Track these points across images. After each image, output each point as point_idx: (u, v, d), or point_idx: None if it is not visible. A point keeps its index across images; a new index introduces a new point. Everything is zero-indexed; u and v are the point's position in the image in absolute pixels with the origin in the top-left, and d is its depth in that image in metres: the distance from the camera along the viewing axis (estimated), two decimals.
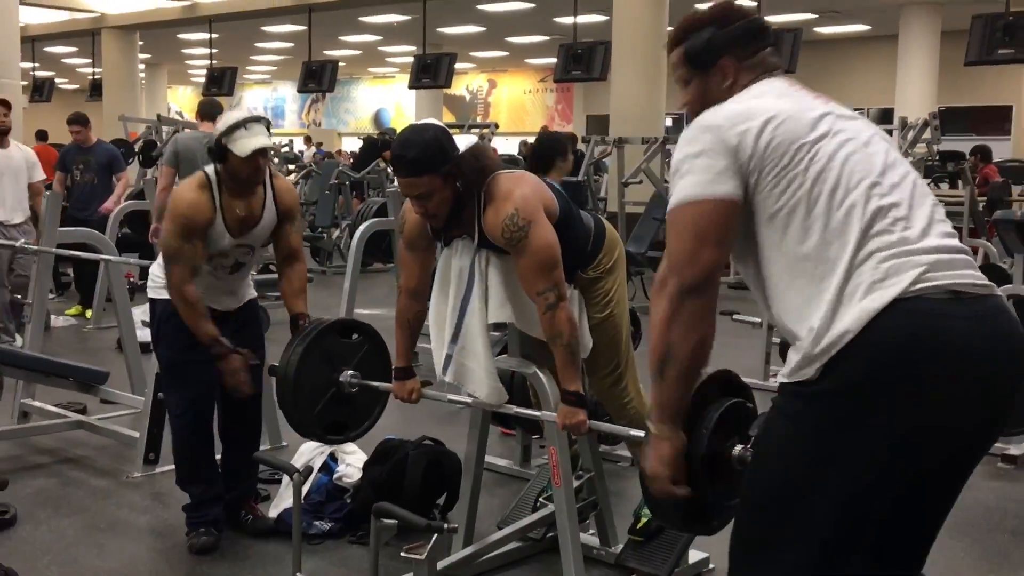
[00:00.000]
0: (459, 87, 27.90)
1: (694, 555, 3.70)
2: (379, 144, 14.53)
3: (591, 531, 3.80)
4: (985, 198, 10.72)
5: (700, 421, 2.47)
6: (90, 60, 21.01)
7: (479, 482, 3.64)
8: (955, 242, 2.00)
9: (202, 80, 18.10)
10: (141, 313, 5.59)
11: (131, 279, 7.49)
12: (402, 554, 2.78)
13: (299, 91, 16.79)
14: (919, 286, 1.89)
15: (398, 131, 15.19)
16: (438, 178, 3.09)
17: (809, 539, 1.98)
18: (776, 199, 1.99)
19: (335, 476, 4.22)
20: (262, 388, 4.14)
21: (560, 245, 3.19)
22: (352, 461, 4.29)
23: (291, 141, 21.43)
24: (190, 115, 23.15)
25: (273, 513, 4.13)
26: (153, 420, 4.58)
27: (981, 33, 9.80)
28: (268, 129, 3.82)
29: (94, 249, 6.15)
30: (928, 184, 2.13)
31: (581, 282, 3.52)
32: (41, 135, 14.97)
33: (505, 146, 18.44)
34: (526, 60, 26.46)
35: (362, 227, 6.94)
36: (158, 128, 12.12)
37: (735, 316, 6.59)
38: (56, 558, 3.80)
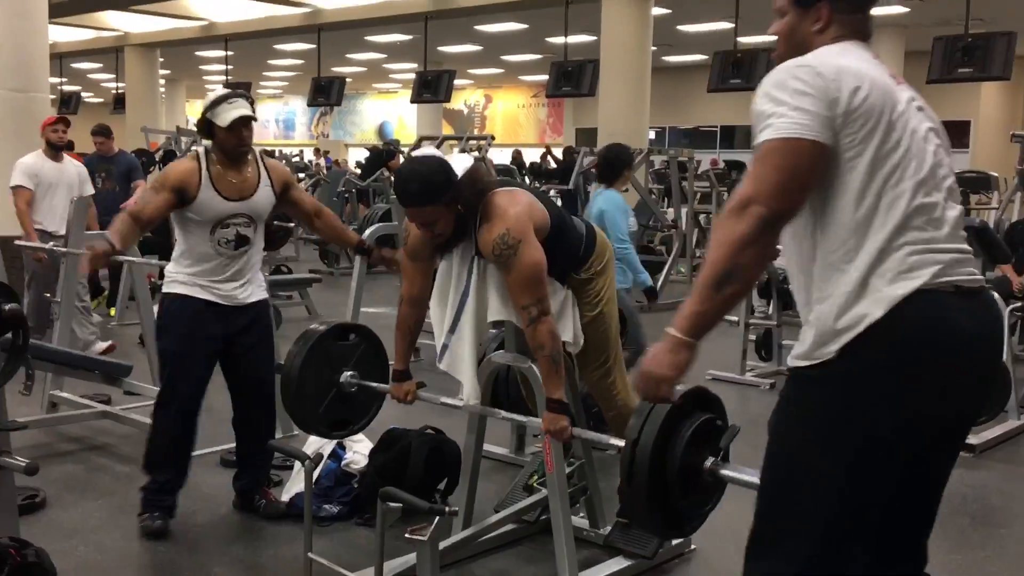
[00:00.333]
0: (458, 102, 27.89)
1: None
2: (383, 155, 14.53)
3: (581, 514, 3.80)
4: None
5: (675, 436, 2.48)
6: (114, 75, 20.96)
7: (477, 469, 3.64)
8: (966, 244, 2.03)
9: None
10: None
11: (152, 279, 7.47)
12: (406, 535, 2.78)
13: (309, 105, 16.76)
14: (937, 280, 1.91)
15: (400, 142, 15.23)
16: (441, 206, 3.12)
17: (814, 523, 1.97)
18: (845, 162, 1.93)
19: (343, 463, 4.22)
20: (274, 383, 4.10)
21: (555, 251, 3.23)
22: (359, 449, 4.29)
23: (301, 151, 21.38)
24: None
25: (285, 497, 4.13)
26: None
27: (942, 53, 9.84)
28: (252, 105, 3.81)
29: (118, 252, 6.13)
30: None
31: (573, 283, 3.53)
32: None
33: (500, 156, 18.46)
34: (520, 77, 26.46)
35: (368, 231, 6.93)
36: (177, 139, 12.12)
37: None
38: (84, 539, 3.80)
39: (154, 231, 9.86)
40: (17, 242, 6.48)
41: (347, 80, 16.15)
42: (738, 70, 11.44)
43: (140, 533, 3.80)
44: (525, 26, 17.79)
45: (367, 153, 16.21)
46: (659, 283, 10.34)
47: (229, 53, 18.41)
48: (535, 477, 3.87)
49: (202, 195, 3.74)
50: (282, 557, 3.66)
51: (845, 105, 1.91)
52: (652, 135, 16.86)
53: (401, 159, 14.15)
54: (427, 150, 3.41)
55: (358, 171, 15.62)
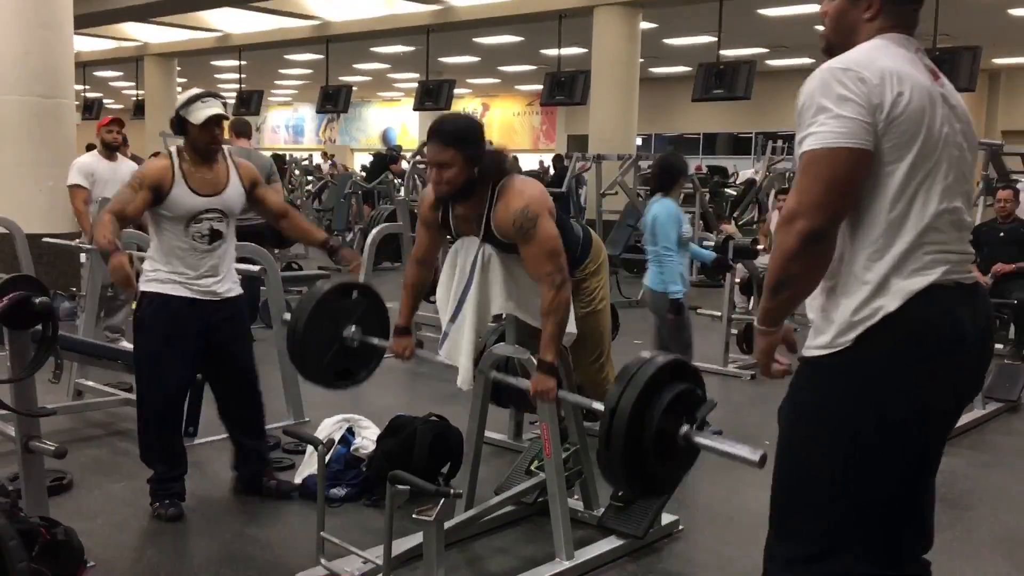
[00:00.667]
0: (457, 109, 27.85)
1: (666, 518, 3.71)
2: (387, 159, 14.52)
3: (576, 496, 3.80)
4: None
5: (653, 402, 2.48)
6: (134, 83, 20.90)
7: (479, 454, 3.63)
8: (969, 247, 2.03)
9: (232, 102, 18.04)
10: None
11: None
12: (414, 516, 2.77)
13: (317, 112, 16.74)
14: (945, 278, 1.92)
15: (403, 148, 15.22)
16: (460, 156, 3.11)
17: (832, 505, 1.97)
18: (884, 166, 1.90)
19: (352, 448, 4.21)
20: (256, 375, 4.03)
21: None
22: (367, 435, 4.28)
23: (311, 156, 21.34)
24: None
25: (297, 480, 4.11)
26: (191, 398, 4.55)
27: None
28: (224, 105, 3.77)
29: (140, 248, 6.10)
30: None
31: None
32: (90, 149, 14.88)
33: None
34: (515, 87, 26.44)
35: (374, 230, 6.92)
36: None
37: (699, 310, 6.62)
38: (109, 519, 3.78)
39: None
40: (77, 241, 6.42)
41: (353, 88, 16.11)
42: (721, 81, 11.45)
43: (159, 521, 3.76)
44: (521, 39, 17.78)
45: (372, 158, 16.19)
46: None
47: (242, 63, 18.39)
48: (534, 462, 3.87)
49: (175, 191, 3.66)
50: (295, 536, 3.64)
51: (888, 111, 1.87)
52: (639, 142, 16.83)
53: (404, 164, 14.14)
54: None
55: (363, 174, 15.59)
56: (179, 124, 3.71)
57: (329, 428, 4.28)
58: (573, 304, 3.54)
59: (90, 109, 18.53)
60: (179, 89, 22.95)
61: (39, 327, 3.14)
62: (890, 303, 1.89)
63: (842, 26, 2.05)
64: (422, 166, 11.05)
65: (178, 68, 21.19)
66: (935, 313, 1.90)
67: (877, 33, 2.00)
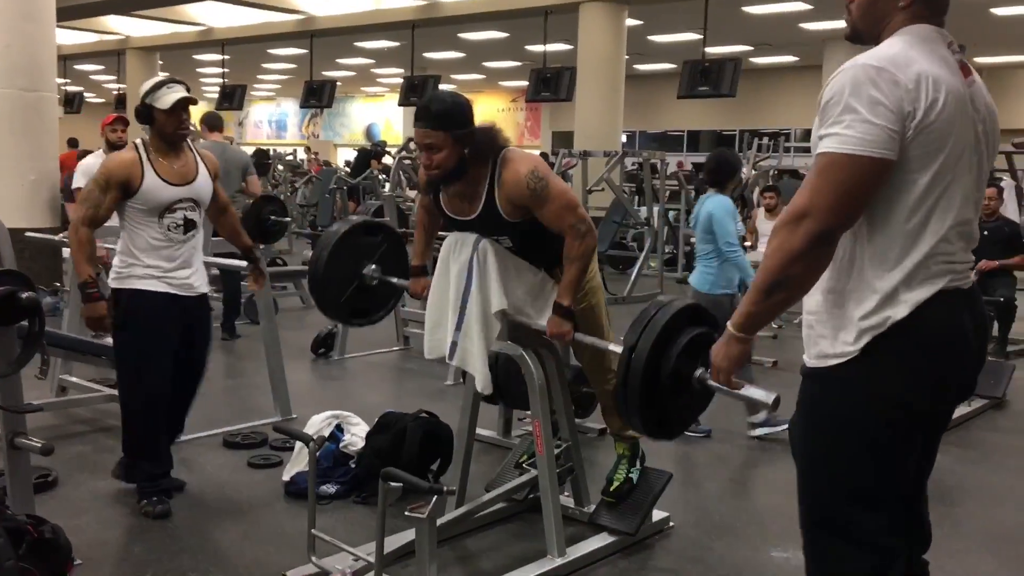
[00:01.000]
0: None
1: (657, 514, 3.71)
2: (371, 155, 14.47)
3: (566, 493, 3.79)
4: None
5: (671, 344, 2.50)
6: (115, 77, 20.72)
7: (471, 451, 3.62)
8: (971, 255, 1.99)
9: (215, 96, 17.94)
10: None
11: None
12: (406, 513, 2.75)
13: (301, 106, 16.65)
14: (948, 286, 1.89)
15: (387, 144, 15.13)
16: (450, 137, 3.06)
17: (851, 504, 1.96)
18: (907, 174, 1.83)
19: (341, 444, 4.18)
20: (202, 376, 4.04)
21: (547, 241, 3.20)
22: (356, 431, 4.25)
23: (295, 151, 21.24)
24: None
25: (285, 477, 4.08)
26: (187, 397, 4.51)
27: None
28: (188, 90, 3.74)
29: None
30: None
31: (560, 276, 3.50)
32: (72, 143, 14.77)
33: None
34: (500, 83, 26.38)
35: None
36: None
37: None
38: (96, 516, 3.75)
39: None
40: (61, 236, 6.36)
41: (337, 84, 16.04)
42: (706, 78, 11.46)
43: (146, 518, 3.72)
44: (506, 35, 17.74)
45: (356, 154, 16.13)
46: (631, 278, 10.36)
47: (225, 57, 18.26)
48: (525, 457, 3.86)
49: (147, 184, 3.61)
50: (285, 533, 3.62)
51: (920, 119, 1.79)
52: (624, 138, 16.85)
53: (388, 159, 14.09)
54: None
55: (347, 170, 15.53)
56: (146, 112, 3.67)
57: (318, 425, 4.24)
58: None
59: (71, 103, 18.38)
60: None
61: (25, 323, 3.10)
62: (899, 312, 1.86)
63: (873, 13, 1.95)
64: (408, 162, 11.01)
65: (160, 62, 21.01)
66: (941, 320, 1.88)
67: (908, 22, 1.91)
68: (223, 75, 18.62)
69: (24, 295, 3.02)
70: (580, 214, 3.17)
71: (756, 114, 22.02)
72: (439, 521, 3.07)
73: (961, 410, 5.52)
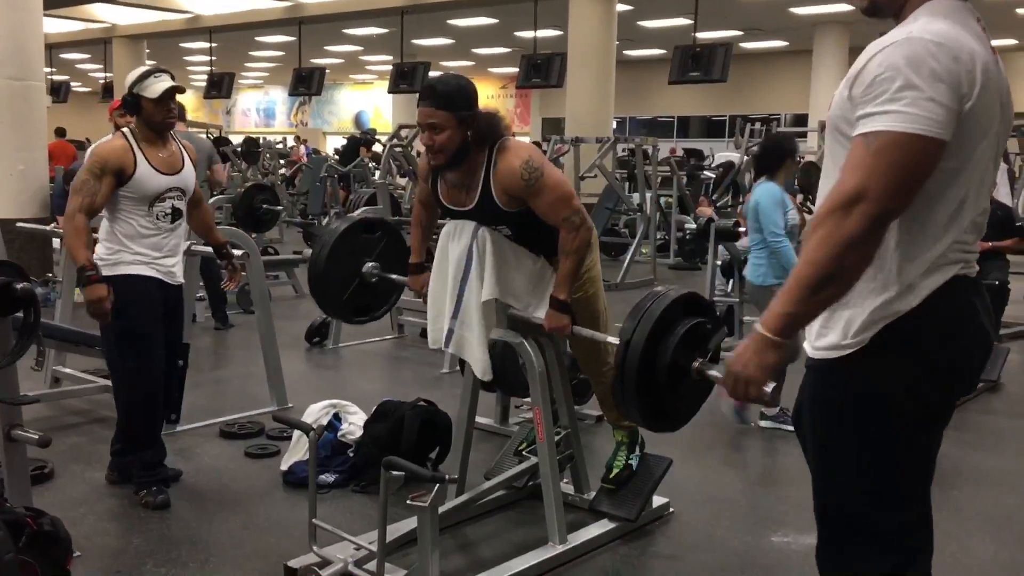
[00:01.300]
0: None
1: (657, 500, 3.71)
2: (361, 142, 14.41)
3: (566, 480, 3.78)
4: None
5: (668, 336, 2.49)
6: (102, 66, 20.56)
7: (470, 439, 3.60)
8: (978, 244, 1.93)
9: (203, 84, 17.83)
10: None
11: None
12: (408, 501, 2.74)
13: (290, 94, 16.56)
14: (960, 272, 1.83)
15: (377, 131, 15.07)
16: (454, 118, 3.05)
17: (869, 499, 1.92)
18: (945, 160, 1.71)
19: (339, 433, 4.17)
20: (187, 366, 4.08)
21: (547, 230, 3.17)
22: (354, 420, 4.24)
23: (284, 139, 21.14)
24: (193, 116, 22.79)
25: (283, 466, 4.07)
26: (173, 385, 4.49)
27: None
28: (174, 79, 3.73)
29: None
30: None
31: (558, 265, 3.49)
32: (60, 132, 14.67)
33: None
34: (489, 69, 26.31)
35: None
36: None
37: None
38: (92, 507, 3.72)
39: None
40: (52, 226, 6.33)
41: (326, 71, 15.97)
42: (697, 64, 11.42)
43: (145, 509, 3.71)
44: (495, 21, 17.69)
45: (345, 141, 16.06)
46: (624, 264, 10.34)
47: (213, 45, 18.13)
48: (524, 445, 3.85)
49: (139, 172, 3.61)
50: (285, 522, 3.60)
51: (972, 102, 1.67)
52: (614, 124, 16.83)
53: (378, 147, 14.03)
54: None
55: (336, 158, 15.46)
56: (134, 102, 3.65)
57: (316, 414, 4.23)
58: None
59: (57, 92, 18.20)
60: None
61: (20, 314, 3.07)
62: (912, 301, 1.79)
63: None
64: (398, 149, 10.96)
65: (147, 50, 20.87)
66: (954, 307, 1.83)
67: None
68: (211, 63, 18.51)
69: (19, 286, 2.99)
70: (575, 206, 3.15)
71: (746, 99, 22.01)
72: (441, 509, 3.06)
73: None
